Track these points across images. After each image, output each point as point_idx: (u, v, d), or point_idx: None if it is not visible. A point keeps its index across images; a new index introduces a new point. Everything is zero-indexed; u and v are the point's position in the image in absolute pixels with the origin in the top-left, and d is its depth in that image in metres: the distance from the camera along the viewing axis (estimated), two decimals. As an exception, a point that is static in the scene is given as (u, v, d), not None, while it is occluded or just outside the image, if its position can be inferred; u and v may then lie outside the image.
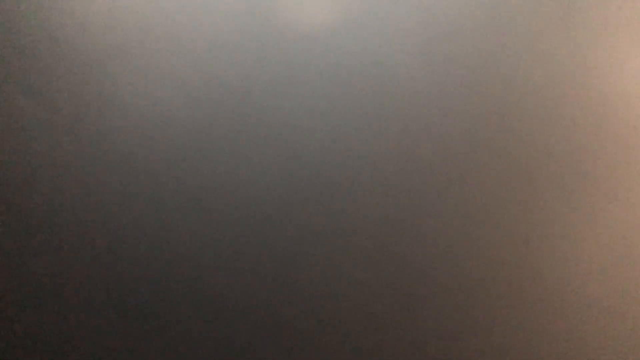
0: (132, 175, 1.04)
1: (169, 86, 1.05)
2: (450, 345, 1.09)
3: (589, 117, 1.12)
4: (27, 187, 1.02)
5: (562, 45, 1.12)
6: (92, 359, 1.02)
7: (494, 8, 1.11)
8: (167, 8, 1.06)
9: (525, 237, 1.10)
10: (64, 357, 1.02)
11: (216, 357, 1.05)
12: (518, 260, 1.10)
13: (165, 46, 1.05)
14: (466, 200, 1.10)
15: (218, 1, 1.07)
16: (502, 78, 1.11)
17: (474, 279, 1.09)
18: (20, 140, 1.02)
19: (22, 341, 1.01)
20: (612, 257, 1.11)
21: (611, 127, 1.12)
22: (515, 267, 1.10)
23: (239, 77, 1.07)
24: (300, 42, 1.08)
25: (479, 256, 1.10)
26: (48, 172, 1.03)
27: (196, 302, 1.05)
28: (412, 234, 1.09)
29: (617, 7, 1.13)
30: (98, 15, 1.04)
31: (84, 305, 1.03)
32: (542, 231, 1.11)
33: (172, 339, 1.04)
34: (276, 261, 1.06)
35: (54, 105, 1.02)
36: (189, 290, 1.05)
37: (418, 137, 1.09)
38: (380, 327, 1.08)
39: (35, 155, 1.02)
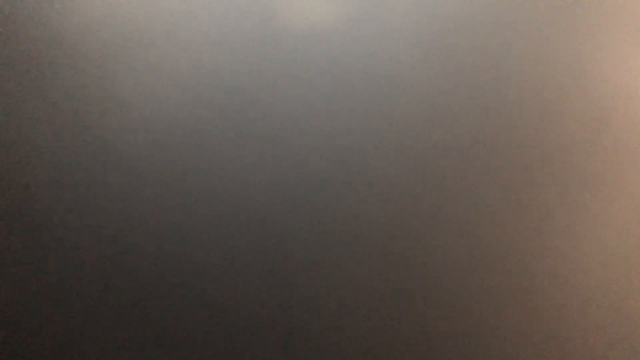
0: (133, 174, 1.04)
1: (169, 86, 1.05)
2: (448, 343, 1.09)
3: (589, 116, 1.12)
4: (27, 187, 1.02)
5: (563, 45, 1.12)
6: (92, 359, 1.02)
7: (494, 7, 1.12)
8: (167, 8, 1.06)
9: (524, 236, 1.10)
10: (64, 357, 1.02)
11: (216, 357, 1.05)
12: (517, 259, 1.10)
13: (165, 46, 1.06)
14: (465, 199, 1.10)
15: (218, 1, 1.07)
16: (502, 77, 1.11)
17: (473, 278, 1.09)
18: (20, 139, 1.02)
19: (22, 341, 1.01)
20: (611, 256, 1.12)
21: (611, 126, 1.13)
22: (515, 266, 1.10)
23: (239, 76, 1.07)
24: (300, 41, 1.08)
25: (478, 255, 1.10)
26: (48, 171, 1.02)
27: (197, 302, 1.05)
28: (410, 233, 1.09)
29: (617, 7, 1.13)
30: (98, 15, 1.05)
31: (83, 305, 1.03)
32: (541, 230, 1.11)
33: (172, 339, 1.04)
34: (278, 261, 1.06)
35: (55, 105, 1.02)
36: (190, 290, 1.05)
37: (418, 136, 1.10)
38: (379, 327, 1.08)
39: (36, 155, 1.02)
